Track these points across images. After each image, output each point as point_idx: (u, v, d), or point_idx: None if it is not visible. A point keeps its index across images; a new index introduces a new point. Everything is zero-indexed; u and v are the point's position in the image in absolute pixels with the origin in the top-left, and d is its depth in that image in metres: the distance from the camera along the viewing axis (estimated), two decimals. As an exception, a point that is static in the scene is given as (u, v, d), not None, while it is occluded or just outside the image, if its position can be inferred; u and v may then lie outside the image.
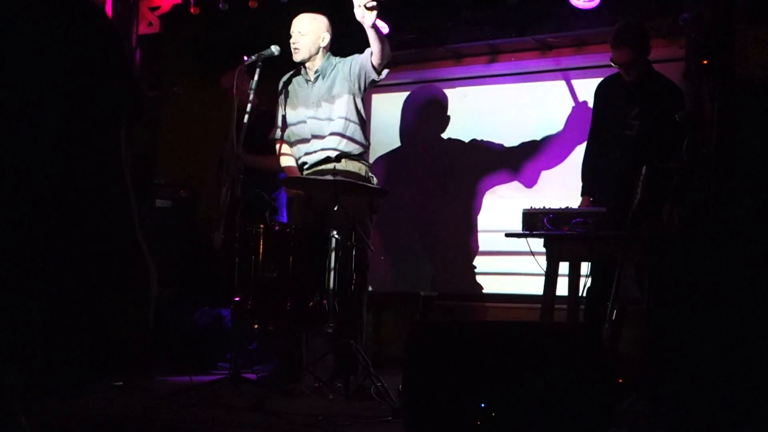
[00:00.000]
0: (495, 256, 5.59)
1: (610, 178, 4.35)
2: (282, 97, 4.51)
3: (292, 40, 4.38)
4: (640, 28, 4.26)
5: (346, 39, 4.60)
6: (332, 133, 4.32)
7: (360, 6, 4.04)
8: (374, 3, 4.01)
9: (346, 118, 4.33)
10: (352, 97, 4.35)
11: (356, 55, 4.39)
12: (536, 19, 5.27)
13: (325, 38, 4.40)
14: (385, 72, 4.32)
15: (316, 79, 4.41)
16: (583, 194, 4.53)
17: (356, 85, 4.35)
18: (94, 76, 1.41)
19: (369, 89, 4.51)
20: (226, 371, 4.33)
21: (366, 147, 4.47)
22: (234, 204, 4.28)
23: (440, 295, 5.52)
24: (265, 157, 4.80)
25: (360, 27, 4.14)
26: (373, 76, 4.31)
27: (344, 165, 4.32)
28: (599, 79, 4.67)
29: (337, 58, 4.45)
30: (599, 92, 4.55)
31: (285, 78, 4.53)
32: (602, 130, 4.47)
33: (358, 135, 4.37)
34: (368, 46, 4.24)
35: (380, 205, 4.79)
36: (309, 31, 4.36)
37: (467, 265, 5.71)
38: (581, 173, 4.60)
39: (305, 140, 4.41)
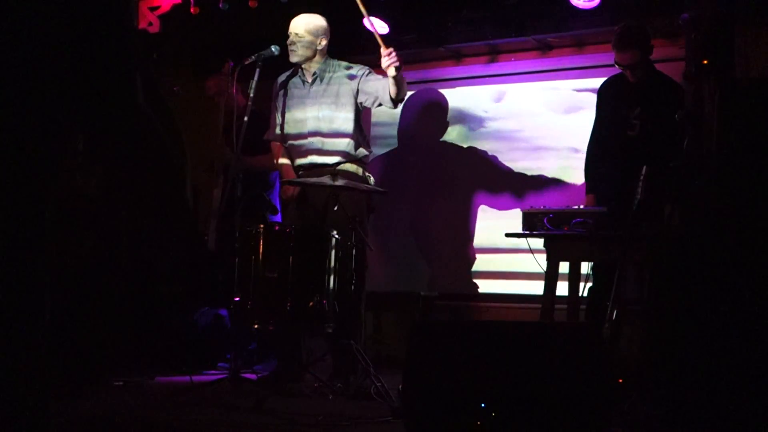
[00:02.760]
0: (495, 256, 5.59)
1: (613, 178, 4.35)
2: (279, 96, 4.50)
3: (289, 41, 4.37)
4: (642, 29, 4.26)
5: (346, 40, 4.61)
6: (332, 135, 4.32)
7: (385, 58, 4.07)
8: (397, 63, 4.05)
9: (353, 125, 4.34)
10: (356, 106, 4.36)
11: (372, 74, 4.38)
12: (536, 19, 5.27)
13: (323, 41, 4.38)
14: (400, 105, 4.40)
15: (314, 81, 4.40)
16: (588, 192, 4.54)
17: (363, 100, 4.36)
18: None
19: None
20: (226, 371, 4.33)
21: (369, 151, 4.48)
22: (231, 204, 4.28)
23: (440, 295, 5.52)
24: (258, 158, 4.80)
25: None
26: (389, 106, 4.35)
27: (347, 166, 4.32)
28: (599, 79, 4.67)
29: (336, 61, 4.45)
30: (602, 92, 4.55)
31: (281, 78, 4.52)
32: (605, 130, 4.47)
33: (358, 136, 4.39)
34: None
35: (380, 205, 4.79)
36: (306, 33, 4.35)
37: (467, 265, 5.72)
38: (585, 171, 4.60)
39: (302, 140, 4.40)
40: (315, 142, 4.35)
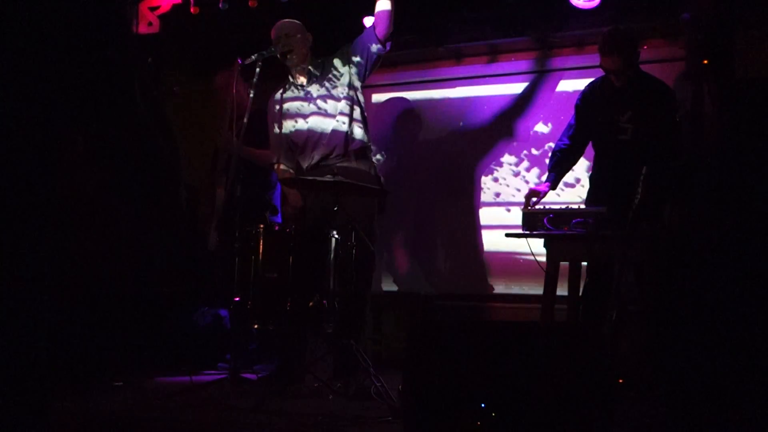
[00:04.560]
0: (495, 256, 5.59)
1: (608, 182, 4.32)
2: (276, 115, 4.47)
3: (282, 46, 4.35)
4: (628, 34, 4.23)
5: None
6: (335, 130, 4.32)
7: None
8: None
9: (349, 115, 4.32)
10: (353, 89, 4.35)
11: (348, 44, 4.42)
12: (536, 19, 5.27)
13: (309, 35, 4.43)
14: (388, 45, 4.37)
15: (310, 80, 4.40)
16: (546, 180, 4.53)
17: (358, 71, 4.36)
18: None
19: (371, 73, 4.48)
20: (226, 371, 4.33)
21: (369, 140, 4.46)
22: (232, 204, 4.28)
23: (440, 295, 5.52)
24: (261, 151, 4.79)
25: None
26: (379, 47, 4.33)
27: (354, 163, 4.29)
28: (599, 80, 4.67)
29: (323, 58, 4.47)
30: (586, 95, 4.50)
31: (275, 96, 4.51)
32: (595, 135, 4.45)
33: (361, 128, 4.37)
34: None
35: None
36: (296, 31, 4.37)
37: (468, 265, 5.71)
38: (549, 161, 4.59)
39: (311, 142, 4.39)
40: (323, 136, 4.33)
